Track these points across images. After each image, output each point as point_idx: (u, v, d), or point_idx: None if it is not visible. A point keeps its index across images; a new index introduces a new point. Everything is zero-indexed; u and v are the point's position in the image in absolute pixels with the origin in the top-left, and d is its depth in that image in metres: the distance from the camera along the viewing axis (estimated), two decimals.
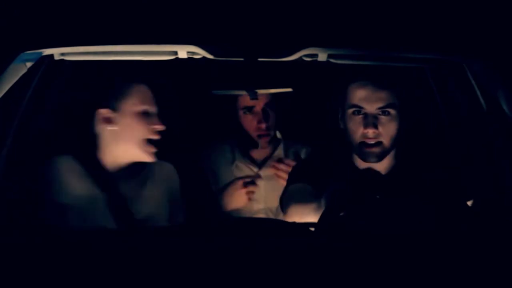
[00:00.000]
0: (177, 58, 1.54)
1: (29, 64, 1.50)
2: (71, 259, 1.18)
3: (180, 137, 2.29)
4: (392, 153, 1.74)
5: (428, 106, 1.99)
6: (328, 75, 1.90)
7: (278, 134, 2.25)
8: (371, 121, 1.65)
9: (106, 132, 1.74)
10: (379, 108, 1.66)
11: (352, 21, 1.44)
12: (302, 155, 2.18)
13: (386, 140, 1.67)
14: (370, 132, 1.65)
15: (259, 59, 1.51)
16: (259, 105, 2.08)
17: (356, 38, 1.45)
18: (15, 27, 1.39)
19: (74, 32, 1.42)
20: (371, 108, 1.66)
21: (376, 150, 1.68)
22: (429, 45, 1.49)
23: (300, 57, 1.51)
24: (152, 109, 1.76)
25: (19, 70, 1.47)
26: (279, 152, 2.21)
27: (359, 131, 1.68)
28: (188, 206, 1.92)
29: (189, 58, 1.53)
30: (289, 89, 2.13)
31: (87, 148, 1.77)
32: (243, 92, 2.07)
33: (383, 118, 1.66)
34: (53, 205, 1.69)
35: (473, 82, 1.61)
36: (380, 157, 1.70)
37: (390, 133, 1.67)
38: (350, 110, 1.69)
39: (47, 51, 1.50)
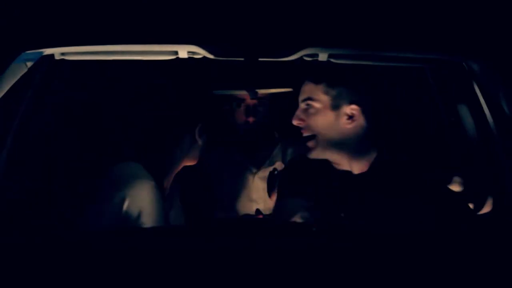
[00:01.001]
0: (177, 58, 1.54)
1: (29, 64, 1.50)
2: (71, 259, 1.18)
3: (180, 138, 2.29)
4: (366, 156, 1.70)
5: (428, 106, 1.99)
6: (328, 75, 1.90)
7: (276, 134, 2.25)
8: (298, 113, 1.71)
9: (191, 143, 1.80)
10: (303, 101, 1.71)
11: (352, 21, 1.44)
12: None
13: (311, 132, 1.69)
14: (295, 122, 1.71)
15: (260, 59, 1.51)
16: (249, 100, 2.09)
17: (356, 38, 1.45)
18: (15, 27, 1.39)
19: (74, 32, 1.42)
20: (300, 100, 1.72)
21: (310, 143, 1.69)
22: (429, 45, 1.49)
23: (301, 57, 1.51)
24: None
25: (19, 70, 1.47)
26: (277, 152, 2.22)
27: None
28: (187, 207, 1.92)
29: (189, 58, 1.53)
30: (290, 89, 2.13)
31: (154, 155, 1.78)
32: (244, 92, 2.07)
33: (309, 110, 1.69)
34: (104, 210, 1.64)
35: (473, 82, 1.61)
36: (318, 151, 1.69)
37: (315, 125, 1.68)
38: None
39: (47, 51, 1.50)
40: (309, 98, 1.69)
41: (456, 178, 1.70)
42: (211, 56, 1.49)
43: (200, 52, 1.48)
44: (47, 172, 1.87)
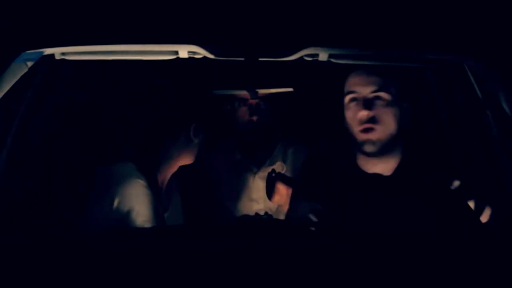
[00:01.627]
0: (177, 58, 1.54)
1: (29, 64, 1.50)
2: (71, 259, 1.18)
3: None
4: (396, 153, 1.69)
5: (428, 106, 1.99)
6: (328, 75, 1.90)
7: (277, 134, 2.25)
8: (365, 103, 1.62)
9: (186, 142, 1.79)
10: (373, 92, 1.62)
11: (352, 21, 1.44)
12: (302, 156, 2.18)
13: (382, 127, 1.62)
14: (365, 114, 1.61)
15: (260, 59, 1.51)
16: (252, 99, 2.09)
17: (356, 38, 1.45)
18: (15, 27, 1.38)
19: (75, 32, 1.42)
20: (365, 90, 1.63)
21: (372, 136, 1.61)
22: (429, 45, 1.49)
23: (301, 57, 1.51)
24: None
25: (19, 69, 1.47)
26: (278, 151, 2.22)
27: (356, 117, 1.63)
28: (188, 207, 1.92)
29: (189, 57, 1.53)
30: (290, 89, 2.13)
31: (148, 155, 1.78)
32: (244, 92, 2.07)
33: (378, 102, 1.62)
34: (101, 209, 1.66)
35: (473, 82, 1.61)
36: (377, 146, 1.62)
37: (387, 119, 1.62)
38: (347, 99, 1.66)
39: (48, 51, 1.50)
40: (379, 90, 1.62)
41: (456, 178, 1.70)
42: (211, 56, 1.49)
43: (200, 52, 1.48)
44: (47, 172, 1.87)
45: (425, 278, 1.15)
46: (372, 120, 1.61)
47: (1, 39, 1.37)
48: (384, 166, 1.68)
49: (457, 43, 1.47)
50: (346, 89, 1.68)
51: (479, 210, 1.63)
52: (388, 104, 1.63)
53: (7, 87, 1.44)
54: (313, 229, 1.48)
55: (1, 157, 1.70)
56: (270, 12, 1.41)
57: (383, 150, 1.64)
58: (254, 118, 2.10)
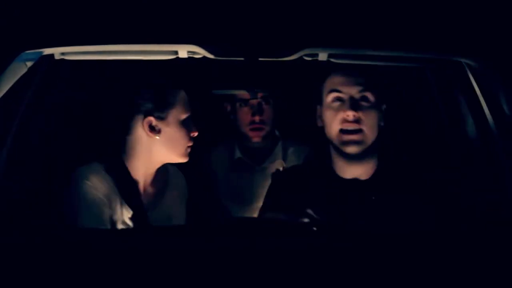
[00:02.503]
0: (177, 58, 1.54)
1: (29, 64, 1.50)
2: (71, 259, 1.18)
3: None
4: (374, 157, 1.66)
5: (428, 106, 1.99)
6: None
7: (277, 133, 2.25)
8: (351, 103, 1.58)
9: (147, 140, 1.72)
10: (360, 92, 1.60)
11: (352, 21, 1.44)
12: (302, 155, 2.18)
13: (367, 128, 1.59)
14: (351, 114, 1.57)
15: (260, 59, 1.51)
16: (254, 99, 2.09)
17: (356, 38, 1.45)
18: (15, 27, 1.38)
19: (74, 32, 1.42)
20: (351, 90, 1.60)
21: (356, 137, 1.58)
22: (429, 45, 1.49)
23: (301, 57, 1.51)
24: (190, 115, 1.76)
25: (19, 69, 1.47)
26: (278, 150, 2.22)
27: (338, 116, 1.60)
28: (188, 207, 1.92)
29: (189, 57, 1.53)
30: (289, 89, 2.14)
31: (114, 154, 1.77)
32: (244, 92, 2.07)
33: (363, 103, 1.60)
34: (72, 208, 1.67)
35: (473, 81, 1.61)
36: (361, 148, 1.59)
37: (371, 121, 1.59)
38: (329, 98, 1.62)
39: (47, 51, 1.50)
40: (366, 90, 1.59)
41: (456, 178, 1.70)
42: (211, 56, 1.49)
43: (200, 52, 1.48)
44: (47, 172, 1.87)
45: (425, 278, 1.15)
46: (358, 121, 1.58)
47: (1, 39, 1.37)
48: (362, 170, 1.65)
49: (457, 43, 1.47)
50: (329, 87, 1.64)
51: (479, 210, 1.63)
52: (372, 105, 1.61)
53: (7, 87, 1.44)
54: (314, 229, 1.48)
55: (1, 157, 1.70)
56: (270, 12, 1.41)
57: (365, 152, 1.62)
58: (256, 118, 2.10)
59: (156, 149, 1.73)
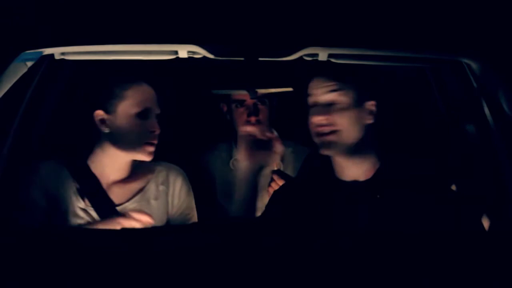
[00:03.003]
0: (177, 58, 1.54)
1: (29, 64, 1.50)
2: (71, 259, 1.18)
3: (179, 138, 2.29)
4: (370, 156, 1.64)
5: (428, 106, 1.99)
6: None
7: (275, 133, 2.25)
8: (321, 107, 1.59)
9: (102, 134, 1.72)
10: (329, 92, 1.59)
11: (352, 21, 1.44)
12: (300, 155, 2.18)
13: (344, 129, 1.58)
14: (321, 119, 1.58)
15: (260, 59, 1.51)
16: (250, 99, 2.09)
17: (356, 38, 1.45)
18: (15, 27, 1.38)
19: (74, 32, 1.42)
20: (320, 94, 1.60)
21: (331, 138, 1.58)
22: (429, 45, 1.49)
23: (301, 57, 1.51)
24: (151, 111, 1.72)
25: (19, 69, 1.47)
26: None
27: (313, 120, 1.60)
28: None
29: (189, 57, 1.53)
30: (290, 89, 2.13)
31: (76, 151, 1.77)
32: (244, 92, 2.07)
33: (336, 105, 1.58)
34: (33, 207, 1.67)
35: (473, 81, 1.61)
36: (337, 149, 1.59)
37: (348, 120, 1.58)
38: (308, 101, 1.64)
39: (47, 51, 1.50)
40: (335, 91, 1.58)
41: (456, 178, 1.70)
42: (211, 56, 1.49)
43: (200, 52, 1.48)
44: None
45: (426, 278, 1.15)
46: (331, 124, 1.58)
47: (1, 39, 1.37)
48: (361, 170, 1.63)
49: (457, 43, 1.47)
50: (307, 92, 1.65)
51: (479, 210, 1.63)
52: (348, 105, 1.59)
53: (7, 87, 1.44)
54: (313, 229, 1.48)
55: (1, 157, 1.70)
56: (270, 12, 1.41)
57: (358, 151, 1.61)
58: (252, 118, 2.10)
59: (109, 143, 1.71)
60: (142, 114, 1.70)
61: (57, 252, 1.20)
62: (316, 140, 1.62)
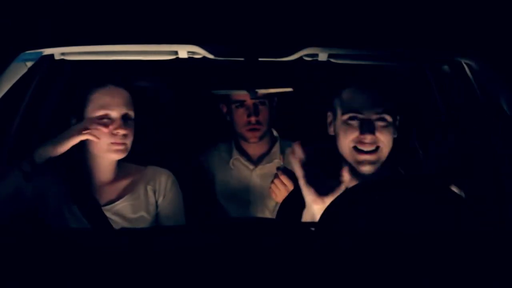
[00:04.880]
0: (177, 58, 1.54)
1: (29, 64, 1.51)
2: (70, 259, 1.18)
3: (179, 138, 2.29)
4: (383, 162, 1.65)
5: (428, 106, 1.99)
6: (328, 75, 1.90)
7: (275, 133, 2.25)
8: (370, 126, 1.59)
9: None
10: (378, 114, 1.60)
11: (352, 21, 1.44)
12: None
13: (383, 146, 1.60)
14: (368, 137, 1.58)
15: (260, 59, 1.51)
16: (250, 99, 2.09)
17: (356, 38, 1.45)
18: (15, 27, 1.39)
19: (74, 32, 1.42)
20: (370, 113, 1.60)
21: (372, 157, 1.60)
22: (429, 44, 1.49)
23: (301, 57, 1.51)
24: (115, 113, 1.71)
25: (19, 69, 1.47)
26: (276, 150, 2.22)
27: (354, 135, 1.60)
28: (186, 207, 1.92)
29: (189, 58, 1.53)
30: (290, 89, 2.13)
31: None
32: (244, 92, 2.07)
33: (381, 124, 1.60)
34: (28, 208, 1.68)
35: (473, 81, 1.61)
36: (376, 166, 1.61)
37: (386, 140, 1.60)
38: (346, 116, 1.62)
39: (47, 51, 1.50)
40: (383, 112, 1.59)
41: (456, 178, 1.70)
42: (211, 56, 1.49)
43: (200, 52, 1.48)
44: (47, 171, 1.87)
45: (426, 278, 1.15)
46: (375, 142, 1.59)
47: (1, 39, 1.37)
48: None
49: (457, 43, 1.47)
50: (346, 106, 1.62)
51: (479, 210, 1.63)
52: (389, 124, 1.61)
53: (7, 87, 1.44)
54: (312, 229, 1.48)
55: (1, 157, 1.70)
56: (270, 12, 1.41)
57: (377, 166, 1.62)
58: (252, 119, 2.10)
59: (88, 146, 1.74)
60: (105, 117, 1.71)
61: (56, 252, 1.20)
62: (353, 155, 1.61)
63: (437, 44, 1.48)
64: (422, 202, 1.56)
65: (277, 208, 2.05)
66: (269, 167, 2.15)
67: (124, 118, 1.73)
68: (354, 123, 1.61)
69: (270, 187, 1.94)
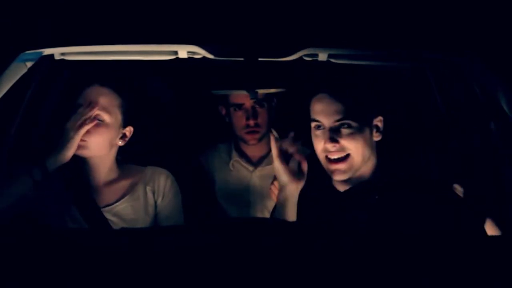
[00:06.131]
0: (177, 58, 1.54)
1: (29, 64, 1.51)
2: (70, 259, 1.18)
3: (179, 138, 2.29)
4: (368, 166, 1.63)
5: (428, 106, 1.99)
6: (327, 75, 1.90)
7: (275, 133, 2.25)
8: (331, 135, 1.56)
9: None
10: (339, 121, 1.56)
11: (352, 21, 1.44)
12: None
13: (354, 152, 1.57)
14: (331, 146, 1.56)
15: (259, 59, 1.51)
16: (248, 102, 2.09)
17: (356, 38, 1.45)
18: (15, 27, 1.39)
19: (74, 32, 1.42)
20: (330, 121, 1.57)
21: (342, 166, 1.58)
22: (429, 45, 1.49)
23: (301, 57, 1.51)
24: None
25: (19, 70, 1.48)
26: None
27: (321, 144, 1.59)
28: (186, 207, 1.92)
29: (189, 58, 1.53)
30: (290, 89, 2.13)
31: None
32: (242, 94, 2.07)
33: (345, 130, 1.56)
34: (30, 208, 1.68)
35: (473, 81, 1.61)
36: (348, 174, 1.58)
37: (357, 143, 1.56)
38: (312, 124, 1.62)
39: (47, 51, 1.50)
40: (344, 118, 1.55)
41: (456, 179, 1.70)
42: (211, 56, 1.49)
43: (200, 52, 1.48)
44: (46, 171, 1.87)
45: (425, 278, 1.15)
46: (342, 149, 1.57)
47: (1, 39, 1.37)
48: (360, 172, 1.62)
49: (456, 43, 1.47)
50: (312, 113, 1.62)
51: (479, 211, 1.63)
52: (357, 129, 1.57)
53: (7, 87, 1.44)
54: (312, 229, 1.48)
55: (2, 157, 1.70)
56: (270, 12, 1.41)
57: (354, 172, 1.60)
58: (251, 122, 2.09)
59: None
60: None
61: (56, 252, 1.20)
62: (326, 164, 1.61)
63: (437, 45, 1.49)
64: (422, 203, 1.56)
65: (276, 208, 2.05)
66: (268, 169, 2.15)
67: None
68: (319, 132, 1.61)
69: (270, 188, 1.93)
